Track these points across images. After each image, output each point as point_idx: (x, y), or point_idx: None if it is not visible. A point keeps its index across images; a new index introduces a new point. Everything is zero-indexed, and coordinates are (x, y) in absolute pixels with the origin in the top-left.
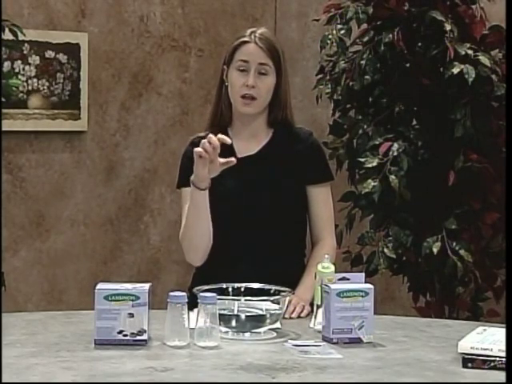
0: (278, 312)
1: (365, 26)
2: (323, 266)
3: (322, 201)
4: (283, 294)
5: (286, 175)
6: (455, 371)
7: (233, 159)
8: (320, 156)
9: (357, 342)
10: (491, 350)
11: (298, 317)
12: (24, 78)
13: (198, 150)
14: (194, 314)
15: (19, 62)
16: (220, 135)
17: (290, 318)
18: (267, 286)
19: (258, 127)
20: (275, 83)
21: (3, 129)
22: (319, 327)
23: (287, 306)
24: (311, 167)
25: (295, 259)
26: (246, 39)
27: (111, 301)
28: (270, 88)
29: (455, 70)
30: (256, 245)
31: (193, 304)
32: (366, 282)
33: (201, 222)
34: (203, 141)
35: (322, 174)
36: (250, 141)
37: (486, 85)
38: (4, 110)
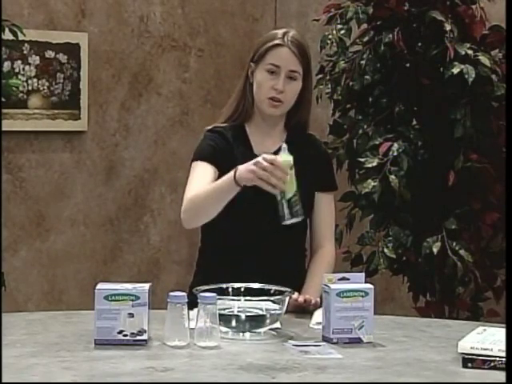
0: (278, 312)
1: (365, 25)
2: None
3: (326, 208)
4: (283, 294)
5: (298, 177)
6: (455, 371)
7: None
8: (330, 165)
9: (357, 341)
10: (491, 349)
11: (303, 310)
12: (24, 78)
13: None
14: (194, 313)
15: (19, 61)
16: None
17: (297, 304)
18: (267, 286)
19: (277, 128)
20: (301, 87)
21: (3, 129)
22: (319, 327)
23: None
24: (322, 174)
25: (297, 261)
26: (279, 42)
27: (111, 301)
28: (297, 92)
29: (455, 70)
30: (258, 245)
31: (194, 303)
32: (366, 282)
33: (218, 208)
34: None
35: (330, 182)
36: (266, 140)
37: (486, 85)
38: (4, 110)
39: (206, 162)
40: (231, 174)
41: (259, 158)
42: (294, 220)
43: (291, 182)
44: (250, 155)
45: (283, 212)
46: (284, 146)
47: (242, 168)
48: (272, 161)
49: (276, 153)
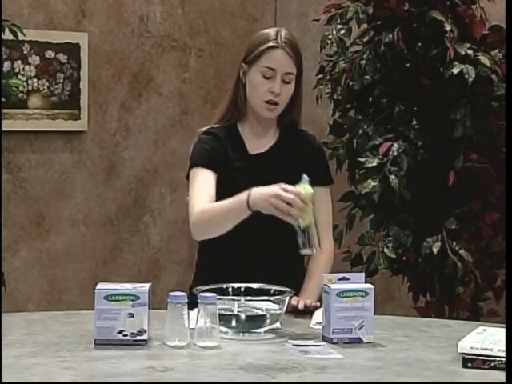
0: (277, 312)
1: (365, 25)
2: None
3: (322, 202)
4: (283, 294)
5: (293, 174)
6: (455, 371)
7: None
8: (324, 160)
9: (357, 341)
10: (491, 349)
11: (304, 311)
12: (24, 78)
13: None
14: (194, 313)
15: (19, 61)
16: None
17: (297, 309)
18: (267, 286)
19: (271, 127)
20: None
21: (3, 129)
22: (319, 327)
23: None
24: (316, 169)
25: (297, 260)
26: (273, 44)
27: (111, 301)
28: (291, 93)
29: (455, 70)
30: (257, 245)
31: (193, 303)
32: (366, 282)
33: (228, 227)
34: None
35: (325, 176)
36: (259, 139)
37: (486, 85)
38: (4, 110)
39: (204, 168)
40: (244, 198)
41: (278, 190)
42: (310, 252)
43: (311, 212)
44: (243, 155)
45: (301, 242)
46: (305, 176)
47: (256, 195)
48: (295, 193)
49: (269, 151)
